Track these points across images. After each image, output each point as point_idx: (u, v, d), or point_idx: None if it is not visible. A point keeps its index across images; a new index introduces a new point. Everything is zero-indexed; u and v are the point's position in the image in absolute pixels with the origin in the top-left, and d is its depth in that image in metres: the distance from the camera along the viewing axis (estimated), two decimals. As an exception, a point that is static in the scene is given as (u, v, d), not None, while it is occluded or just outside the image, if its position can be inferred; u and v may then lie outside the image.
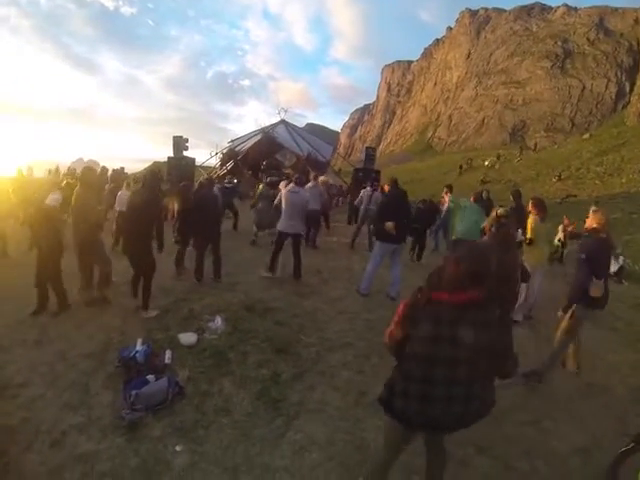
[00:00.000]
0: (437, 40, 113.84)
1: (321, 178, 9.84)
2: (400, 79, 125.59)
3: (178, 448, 2.73)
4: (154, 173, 4.94)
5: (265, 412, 3.14)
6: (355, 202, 9.83)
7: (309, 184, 8.95)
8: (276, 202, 6.75)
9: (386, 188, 7.63)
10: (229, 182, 11.59)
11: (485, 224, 5.64)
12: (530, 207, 5.26)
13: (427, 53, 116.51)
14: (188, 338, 4.14)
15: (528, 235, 5.04)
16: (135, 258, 4.81)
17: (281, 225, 6.19)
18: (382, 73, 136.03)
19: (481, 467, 2.72)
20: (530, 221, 5.09)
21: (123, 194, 7.24)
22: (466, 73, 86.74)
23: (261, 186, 9.15)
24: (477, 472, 2.69)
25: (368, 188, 9.23)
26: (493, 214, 5.38)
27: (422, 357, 1.84)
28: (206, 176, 10.52)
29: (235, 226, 10.28)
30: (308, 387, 3.51)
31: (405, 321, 1.88)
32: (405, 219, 5.63)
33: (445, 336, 1.77)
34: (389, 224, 5.38)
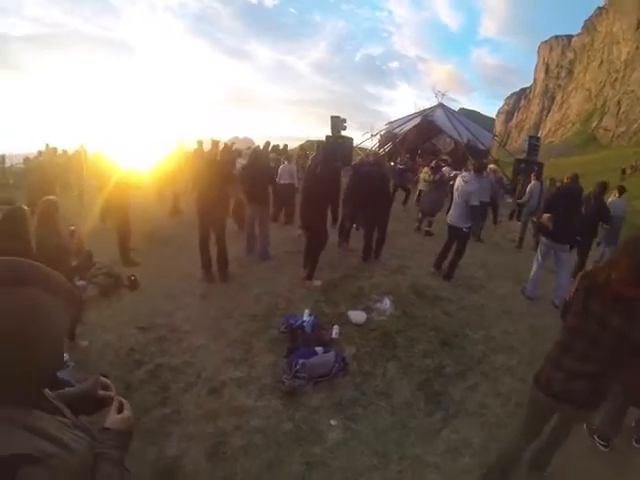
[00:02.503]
0: (599, 9, 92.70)
1: (491, 166, 8.78)
2: (559, 58, 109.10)
3: (333, 422, 2.71)
4: (329, 149, 4.89)
5: (425, 404, 2.99)
6: (521, 199, 8.66)
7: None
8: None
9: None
10: (401, 163, 11.59)
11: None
12: None
13: (589, 26, 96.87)
14: (357, 316, 4.11)
15: None
16: (312, 229, 4.83)
17: (449, 216, 5.55)
18: (538, 51, 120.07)
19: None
20: None
21: (285, 167, 7.56)
22: (637, 48, 69.49)
23: (425, 170, 8.76)
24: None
25: (535, 182, 8.16)
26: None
27: (571, 329, 1.91)
28: (365, 156, 10.63)
29: (405, 201, 10.25)
30: (470, 386, 3.29)
31: (576, 292, 1.91)
32: (574, 219, 4.96)
33: (597, 316, 1.78)
34: (545, 216, 4.83)
